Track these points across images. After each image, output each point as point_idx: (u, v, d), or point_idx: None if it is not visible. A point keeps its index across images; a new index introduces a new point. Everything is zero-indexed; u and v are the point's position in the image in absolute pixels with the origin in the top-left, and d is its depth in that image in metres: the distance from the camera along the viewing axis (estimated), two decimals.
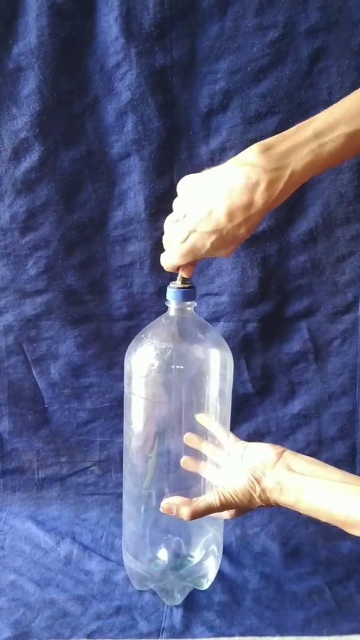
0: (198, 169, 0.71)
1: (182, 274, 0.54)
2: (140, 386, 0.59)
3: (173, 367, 0.57)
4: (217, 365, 0.58)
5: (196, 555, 0.63)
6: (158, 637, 0.58)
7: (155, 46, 0.66)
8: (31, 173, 0.70)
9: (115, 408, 0.76)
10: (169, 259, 0.51)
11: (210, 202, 0.47)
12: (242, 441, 0.55)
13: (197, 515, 0.48)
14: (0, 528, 0.75)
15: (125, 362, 0.60)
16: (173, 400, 0.58)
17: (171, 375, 0.57)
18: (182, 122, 0.69)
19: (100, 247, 0.74)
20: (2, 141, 0.70)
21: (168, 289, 0.55)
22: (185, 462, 0.56)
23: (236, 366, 0.75)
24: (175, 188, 0.71)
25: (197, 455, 0.57)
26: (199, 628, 0.59)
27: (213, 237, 0.47)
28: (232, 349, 0.74)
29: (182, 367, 0.57)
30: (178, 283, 0.55)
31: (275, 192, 0.45)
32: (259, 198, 0.45)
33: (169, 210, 0.72)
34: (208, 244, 0.48)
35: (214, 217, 0.46)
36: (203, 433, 0.58)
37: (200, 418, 0.57)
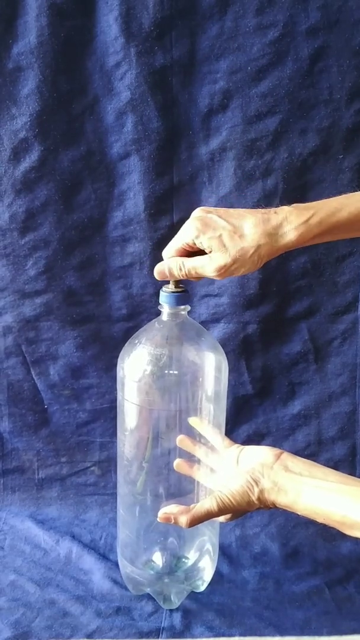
0: (198, 168, 0.71)
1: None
2: (134, 392, 0.58)
3: (166, 372, 0.56)
4: (211, 369, 0.58)
5: (191, 556, 0.63)
6: (158, 637, 0.58)
7: (155, 46, 0.66)
8: (31, 173, 0.70)
9: (115, 409, 0.76)
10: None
11: None
12: (237, 445, 0.55)
13: (195, 522, 0.48)
14: (0, 528, 0.75)
15: (118, 368, 0.60)
16: (167, 406, 0.58)
17: (165, 380, 0.56)
18: (182, 122, 0.69)
19: (99, 247, 0.73)
20: (1, 141, 0.70)
21: (161, 293, 0.54)
22: (179, 465, 0.56)
23: (236, 367, 0.75)
24: (175, 188, 0.71)
25: (191, 458, 0.57)
26: (198, 628, 0.59)
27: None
28: (232, 350, 0.74)
29: (175, 372, 0.56)
30: (171, 287, 0.54)
31: None
32: None
33: (169, 210, 0.72)
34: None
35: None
36: (199, 437, 0.57)
37: (193, 421, 0.57)
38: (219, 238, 0.47)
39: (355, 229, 0.49)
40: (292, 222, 0.47)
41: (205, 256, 0.49)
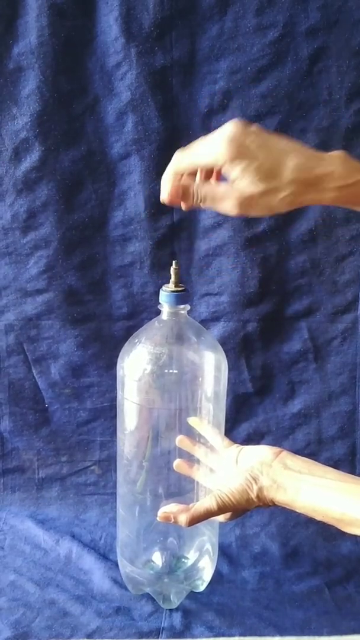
0: None
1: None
2: (134, 391, 0.58)
3: (166, 371, 0.56)
4: (211, 368, 0.58)
5: (190, 556, 0.63)
6: (158, 637, 0.58)
7: (155, 46, 0.66)
8: (32, 173, 0.70)
9: (116, 408, 0.77)
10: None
11: None
12: (237, 444, 0.55)
13: (195, 521, 0.47)
14: (0, 528, 0.75)
15: (118, 367, 0.60)
16: (167, 405, 0.58)
17: (165, 379, 0.57)
18: (182, 122, 0.69)
19: (100, 247, 0.74)
20: (2, 141, 0.70)
21: (161, 292, 0.54)
22: (179, 465, 0.56)
23: (236, 366, 0.75)
24: None
25: (191, 458, 0.57)
26: (198, 628, 0.59)
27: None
28: (232, 349, 0.74)
29: (175, 371, 0.57)
30: (171, 286, 0.54)
31: None
32: None
33: (169, 210, 0.72)
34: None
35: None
36: (198, 436, 0.57)
37: (192, 421, 0.57)
38: (254, 171, 0.40)
39: None
40: (337, 179, 0.41)
41: (227, 185, 0.42)
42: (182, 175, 0.44)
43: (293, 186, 0.41)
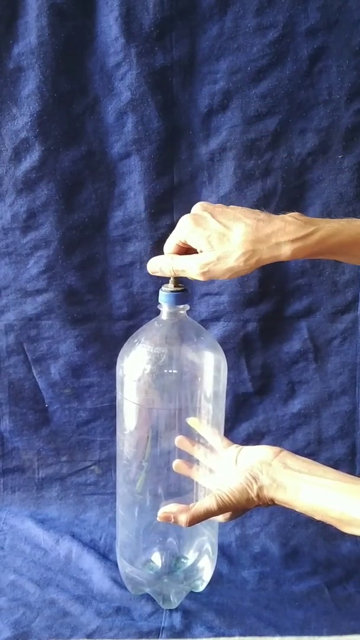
0: (198, 168, 0.71)
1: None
2: (133, 391, 0.58)
3: (166, 371, 0.56)
4: (210, 368, 0.58)
5: (190, 556, 0.63)
6: (158, 637, 0.58)
7: (155, 46, 0.66)
8: (32, 173, 0.70)
9: (116, 408, 0.77)
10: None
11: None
12: (236, 445, 0.55)
13: (195, 521, 0.47)
14: (0, 528, 0.75)
15: (117, 367, 0.60)
16: (166, 405, 0.58)
17: (164, 379, 0.56)
18: (182, 122, 0.69)
19: (100, 247, 0.74)
20: (2, 141, 0.70)
21: (160, 292, 0.54)
22: (178, 465, 0.56)
23: (236, 365, 0.75)
24: (175, 188, 0.72)
25: (190, 459, 0.57)
26: (198, 628, 0.59)
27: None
28: (232, 349, 0.75)
29: (175, 371, 0.56)
30: (170, 286, 0.54)
31: None
32: None
33: (169, 210, 0.72)
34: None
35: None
36: (198, 437, 0.57)
37: (191, 422, 0.57)
38: (208, 238, 0.46)
39: (352, 253, 0.48)
40: (289, 233, 0.45)
41: (193, 255, 0.48)
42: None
43: (244, 246, 0.45)
